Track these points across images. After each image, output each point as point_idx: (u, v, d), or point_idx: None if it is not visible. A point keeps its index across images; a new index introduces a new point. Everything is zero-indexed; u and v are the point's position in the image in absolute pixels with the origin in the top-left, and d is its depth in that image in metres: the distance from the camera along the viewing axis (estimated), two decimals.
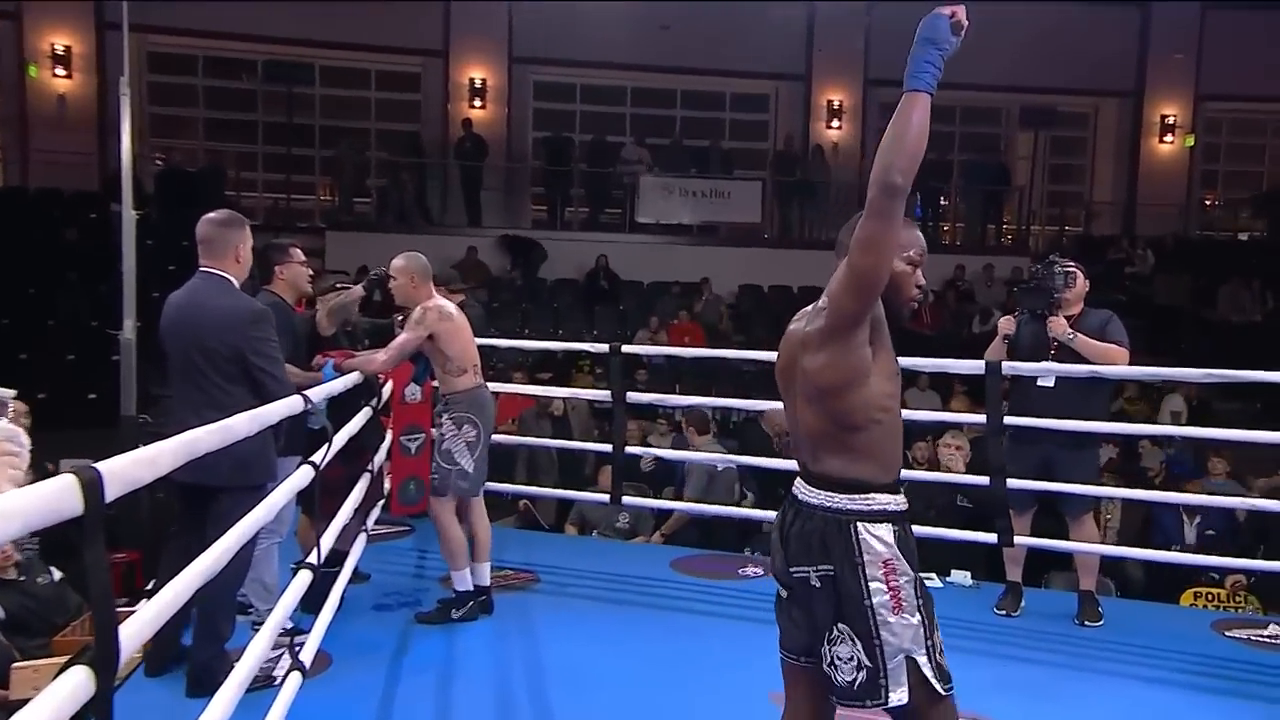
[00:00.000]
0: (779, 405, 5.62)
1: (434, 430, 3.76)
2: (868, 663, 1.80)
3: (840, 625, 1.81)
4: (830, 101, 13.25)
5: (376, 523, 4.29)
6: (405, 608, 3.74)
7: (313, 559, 2.59)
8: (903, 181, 1.68)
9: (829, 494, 1.84)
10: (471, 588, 3.61)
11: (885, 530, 1.82)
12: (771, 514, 4.95)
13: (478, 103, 12.60)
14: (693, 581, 4.27)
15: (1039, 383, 3.79)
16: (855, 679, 1.81)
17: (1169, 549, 4.80)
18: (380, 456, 4.02)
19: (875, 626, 1.79)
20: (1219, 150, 14.58)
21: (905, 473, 4.56)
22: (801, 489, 1.88)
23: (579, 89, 13.61)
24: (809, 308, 1.94)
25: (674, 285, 11.38)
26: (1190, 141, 13.57)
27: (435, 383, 3.74)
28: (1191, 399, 8.76)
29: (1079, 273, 3.82)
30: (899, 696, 1.79)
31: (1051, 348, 3.76)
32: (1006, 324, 3.92)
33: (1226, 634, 3.77)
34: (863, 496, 1.83)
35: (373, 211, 12.32)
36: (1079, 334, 3.71)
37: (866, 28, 12.77)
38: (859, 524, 1.82)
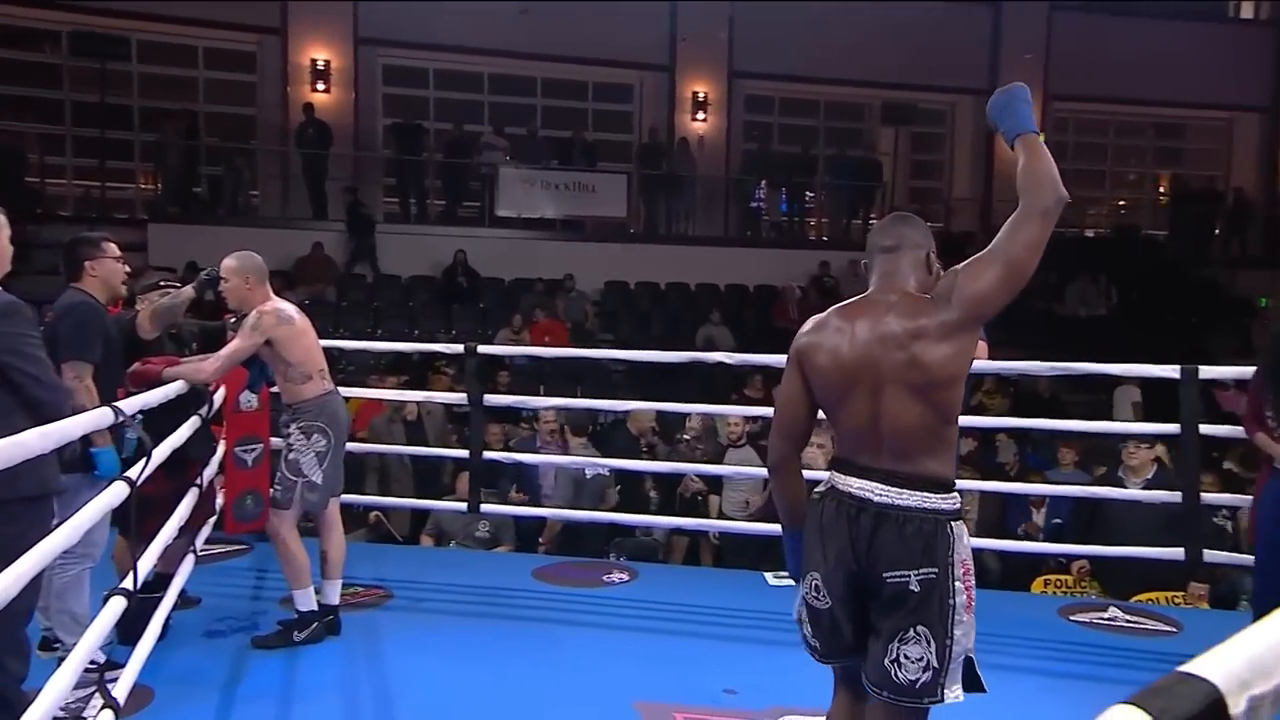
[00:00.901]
0: (646, 405, 5.65)
1: (279, 440, 3.63)
2: (935, 664, 1.86)
3: (919, 627, 1.86)
4: (695, 93, 13.51)
5: (208, 542, 4.10)
6: (240, 633, 3.60)
7: (128, 584, 2.46)
8: (1065, 195, 1.95)
9: (925, 494, 1.87)
10: (316, 607, 3.51)
11: (963, 529, 1.90)
12: (639, 517, 5.07)
13: (320, 86, 12.17)
14: (556, 590, 4.28)
15: None
16: (919, 679, 1.86)
17: (1022, 539, 5.14)
18: (211, 470, 3.84)
19: (951, 627, 1.85)
20: (1067, 149, 15.72)
21: (742, 470, 4.66)
22: (884, 491, 1.88)
23: (432, 74, 13.37)
24: (876, 297, 1.99)
25: (537, 282, 11.35)
26: (1040, 139, 14.55)
27: (275, 389, 3.61)
28: (1044, 392, 9.41)
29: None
30: (955, 694, 1.87)
31: None
32: None
33: (1072, 619, 4.07)
34: (951, 495, 1.90)
35: (203, 202, 11.72)
36: None
37: (730, 19, 13.10)
38: (952, 524, 1.88)
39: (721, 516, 5.48)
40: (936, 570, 1.85)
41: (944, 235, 13.61)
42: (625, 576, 4.50)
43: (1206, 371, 3.89)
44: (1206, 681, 0.56)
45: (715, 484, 5.59)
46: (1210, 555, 3.95)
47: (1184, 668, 0.58)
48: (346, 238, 11.29)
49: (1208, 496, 4.05)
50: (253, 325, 3.35)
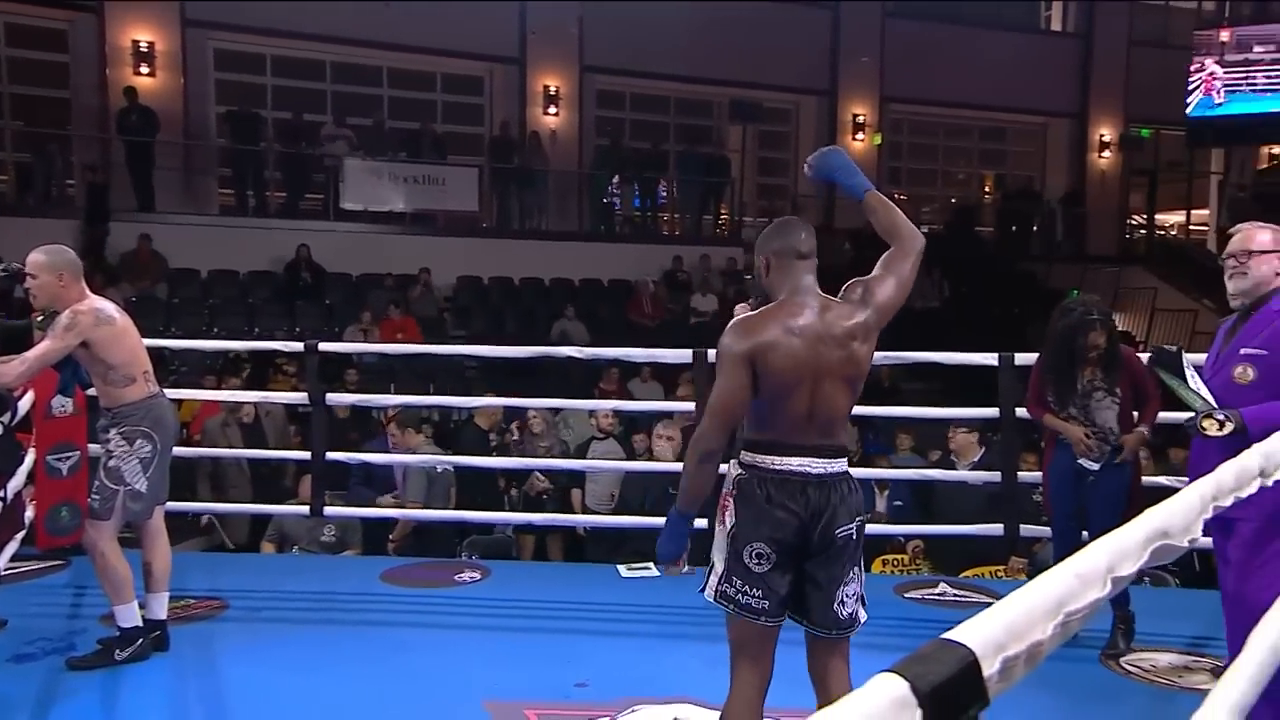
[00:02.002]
0: (497, 401, 5.59)
1: (97, 447, 3.40)
2: (861, 593, 2.29)
3: (854, 569, 2.26)
4: (546, 87, 13.45)
5: (16, 559, 3.80)
6: (55, 654, 3.35)
7: None
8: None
9: (842, 461, 2.26)
10: (140, 623, 3.31)
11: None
12: (490, 515, 5.02)
13: (144, 69, 11.40)
14: (405, 592, 4.19)
15: None
16: (854, 610, 2.28)
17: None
18: (18, 480, 3.56)
19: (862, 561, 2.32)
20: (902, 148, 16.56)
21: (629, 465, 4.73)
22: (818, 463, 2.21)
23: (269, 60, 12.77)
24: (809, 303, 2.25)
25: (386, 277, 11.04)
26: (878, 140, 15.28)
27: (92, 392, 3.37)
28: (885, 381, 9.88)
29: None
30: (864, 615, 2.31)
31: None
32: (742, 310, 4.18)
33: (905, 596, 4.30)
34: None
35: (10, 191, 10.78)
36: None
37: (580, 14, 13.11)
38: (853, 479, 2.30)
39: (585, 510, 5.48)
40: (860, 518, 2.26)
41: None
42: (477, 575, 4.45)
43: (1022, 358, 4.17)
44: (963, 646, 0.60)
45: (577, 478, 5.58)
46: (1026, 530, 4.25)
47: (946, 634, 0.62)
48: (79, 228, 10.17)
49: (1025, 475, 4.35)
50: (67, 325, 3.13)
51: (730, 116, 14.59)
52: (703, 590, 2.30)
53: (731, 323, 2.26)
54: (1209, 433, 2.61)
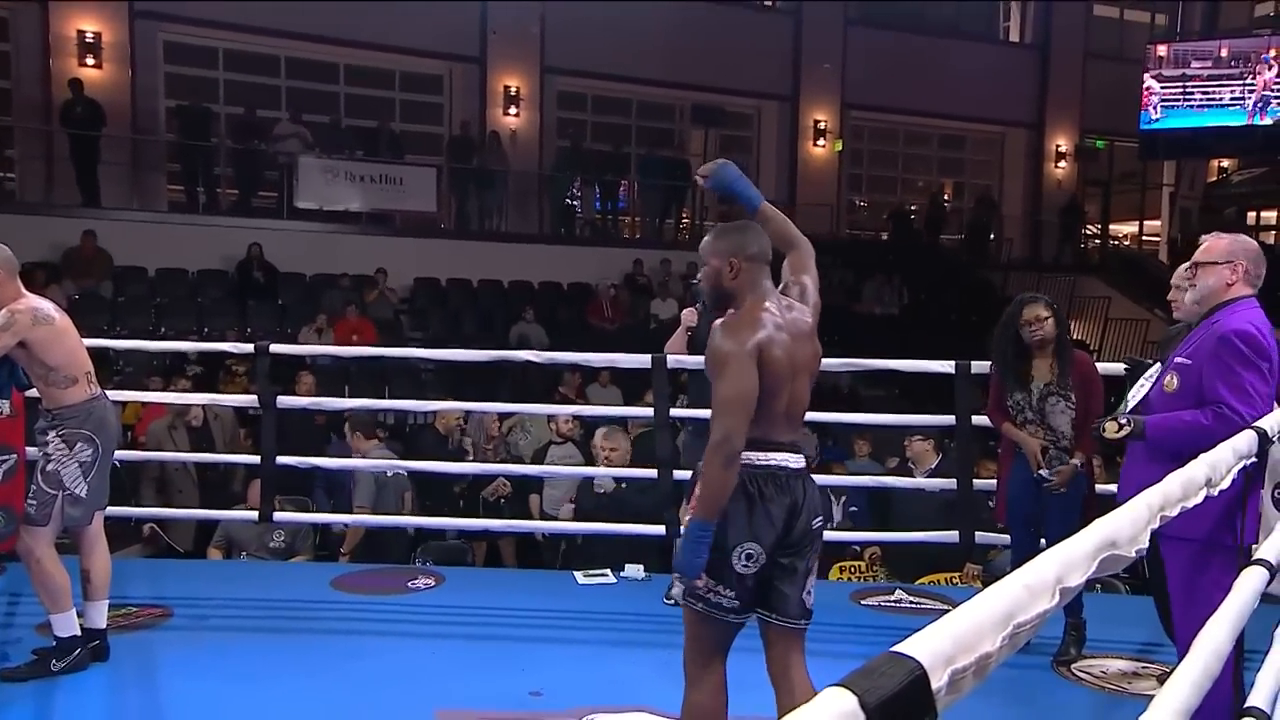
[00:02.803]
0: (453, 405, 5.54)
1: (35, 450, 3.31)
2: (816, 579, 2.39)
3: (815, 559, 2.36)
4: (507, 87, 13.40)
5: None
6: None
7: None
8: None
9: (802, 455, 2.35)
10: (78, 632, 3.22)
11: None
12: (442, 521, 4.97)
13: (90, 60, 11.14)
14: (356, 600, 4.13)
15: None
16: (813, 599, 2.37)
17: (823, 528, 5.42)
18: None
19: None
20: (862, 155, 16.74)
21: (589, 470, 4.70)
22: (794, 459, 2.31)
23: (222, 54, 12.56)
24: (776, 304, 2.34)
25: (342, 278, 10.92)
26: (839, 146, 15.43)
27: (33, 393, 3.29)
28: (844, 387, 9.98)
29: None
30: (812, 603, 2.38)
31: None
32: (689, 316, 4.20)
33: (862, 603, 4.33)
34: None
35: None
36: None
37: (541, 14, 13.09)
38: None
39: (543, 516, 5.45)
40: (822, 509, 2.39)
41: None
42: (431, 582, 4.41)
43: (978, 366, 4.22)
44: (911, 659, 0.60)
45: (534, 483, 5.55)
46: (982, 537, 4.31)
47: (896, 647, 0.62)
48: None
49: (980, 482, 4.41)
50: (3, 325, 3.05)
51: (692, 120, 14.66)
52: (668, 594, 2.34)
53: (724, 324, 2.28)
54: (1107, 434, 2.72)
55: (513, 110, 13.45)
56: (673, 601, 4.16)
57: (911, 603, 4.34)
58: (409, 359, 8.61)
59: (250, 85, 12.56)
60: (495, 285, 12.05)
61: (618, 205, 14.19)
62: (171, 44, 12.11)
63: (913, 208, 16.48)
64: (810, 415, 6.12)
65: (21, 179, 11.27)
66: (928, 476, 5.01)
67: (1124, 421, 2.69)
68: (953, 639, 0.61)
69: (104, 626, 3.33)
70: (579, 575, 4.56)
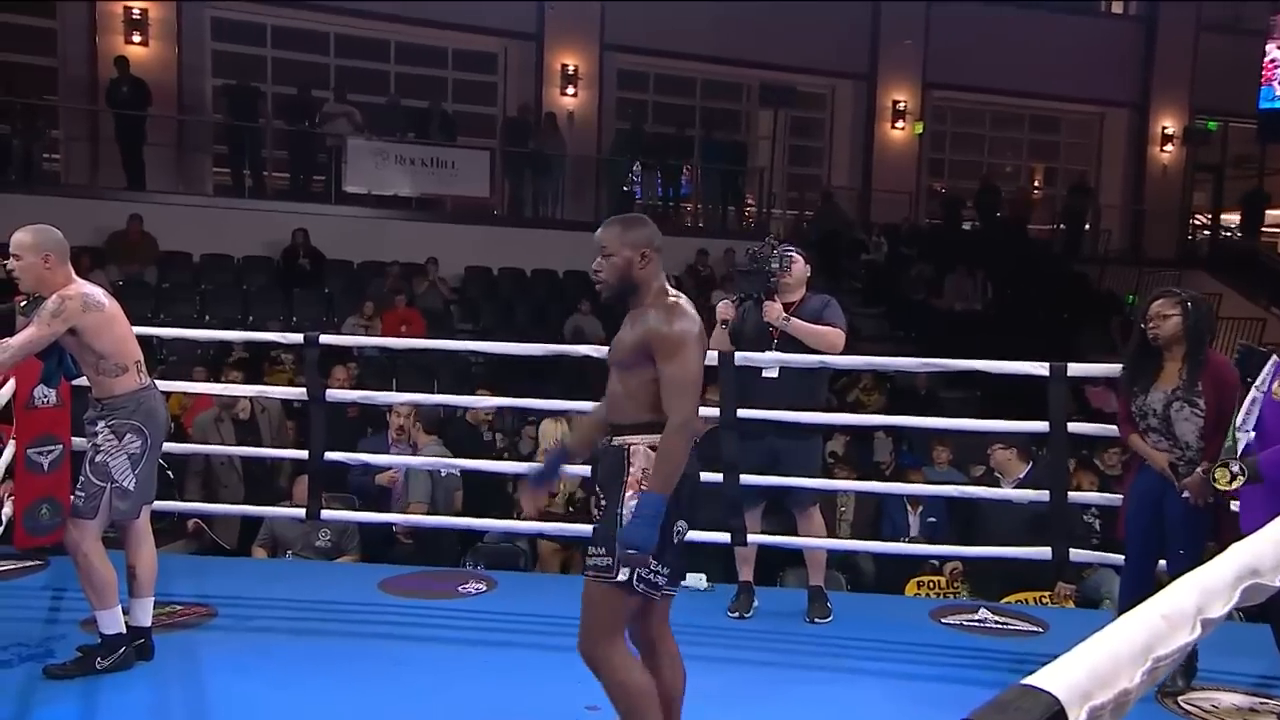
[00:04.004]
0: (503, 401, 5.60)
1: (81, 440, 3.41)
2: None
3: None
4: (564, 66, 13.45)
5: None
6: (31, 661, 3.35)
7: None
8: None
9: None
10: (124, 630, 3.31)
11: None
12: (493, 522, 5.01)
13: (136, 38, 11.46)
14: (405, 603, 4.19)
15: (764, 373, 4.08)
16: None
17: (897, 539, 5.36)
18: None
19: None
20: (945, 139, 16.46)
21: None
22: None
23: (270, 31, 12.82)
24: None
25: (392, 265, 11.07)
26: (919, 129, 15.19)
27: (82, 381, 3.39)
28: (921, 388, 9.83)
29: (798, 256, 4.15)
30: None
31: (773, 335, 4.06)
32: (725, 309, 4.17)
33: (942, 621, 4.26)
34: None
35: None
36: (793, 318, 4.02)
37: None
38: None
39: None
40: None
41: (822, 225, 14.03)
42: (483, 586, 4.45)
43: (1075, 369, 4.12)
44: (1047, 694, 0.58)
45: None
46: (1077, 554, 4.21)
47: (1027, 680, 0.60)
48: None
49: (1075, 495, 4.30)
50: (53, 311, 3.13)
51: (760, 101, 14.55)
52: (613, 575, 2.44)
53: (670, 306, 2.52)
54: (1219, 485, 2.66)
55: (570, 90, 13.50)
56: (737, 615, 4.15)
57: (997, 623, 4.26)
58: (459, 352, 8.69)
59: (298, 64, 12.79)
60: (550, 275, 12.11)
61: (680, 191, 14.17)
62: (219, 20, 12.39)
63: (999, 195, 16.14)
64: (885, 419, 6.08)
65: (66, 161, 11.61)
66: (1015, 487, 4.92)
67: (1236, 470, 2.64)
68: (1089, 673, 0.59)
69: (149, 625, 3.42)
70: None
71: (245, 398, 6.14)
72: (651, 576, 2.46)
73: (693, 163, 13.97)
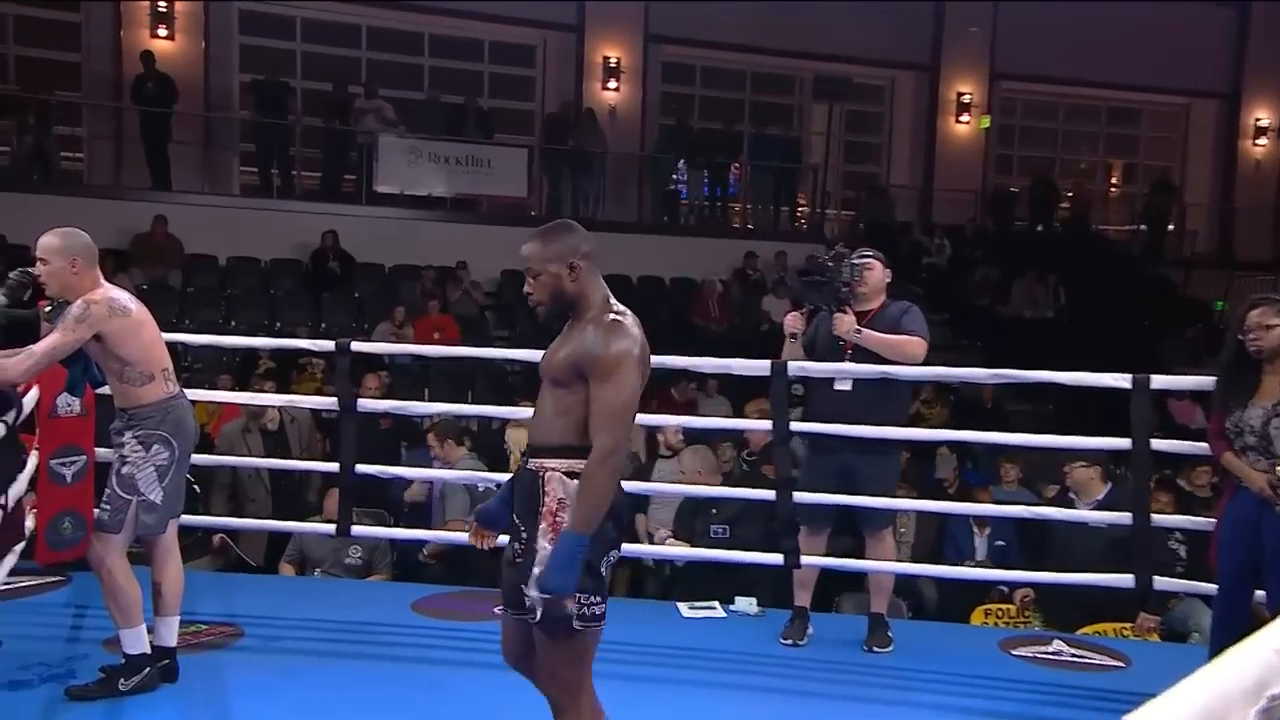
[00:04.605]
0: (527, 412, 5.66)
1: (105, 451, 3.48)
2: None
3: None
4: (606, 58, 13.52)
5: (13, 574, 3.90)
6: (53, 682, 3.41)
7: None
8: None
9: None
10: (148, 650, 3.37)
11: None
12: None
13: (162, 31, 11.72)
14: (439, 625, 4.23)
15: (835, 386, 4.05)
16: None
17: (961, 564, 5.29)
18: (19, 487, 3.66)
19: None
20: (1014, 133, 16.27)
21: (707, 489, 4.66)
22: None
23: (299, 23, 13.04)
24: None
25: (425, 269, 11.18)
26: (986, 123, 15.04)
27: (104, 390, 3.45)
28: (987, 401, 9.71)
29: (875, 262, 4.10)
30: None
31: (846, 347, 4.03)
32: (794, 321, 4.16)
33: (1013, 653, 4.21)
34: None
35: (11, 165, 11.08)
36: (865, 330, 3.99)
37: None
38: None
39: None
40: None
41: (879, 225, 13.94)
42: None
43: (1159, 381, 4.05)
44: None
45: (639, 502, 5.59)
46: (1161, 583, 4.12)
47: (1128, 717, 0.59)
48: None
49: (1160, 518, 4.22)
50: (79, 317, 3.19)
51: (814, 94, 14.49)
52: (535, 618, 2.41)
53: (611, 325, 2.46)
54: None
55: (612, 84, 13.56)
56: (790, 642, 4.12)
57: (1074, 656, 4.19)
58: (495, 360, 8.76)
59: (329, 58, 13.00)
60: None
61: (728, 190, 14.15)
62: (247, 13, 12.61)
63: (1070, 194, 15.92)
64: (949, 433, 5.99)
65: (90, 160, 11.88)
66: (1093, 509, 4.83)
67: None
68: (1201, 712, 0.58)
69: (174, 645, 3.47)
70: (683, 607, 4.57)
71: (273, 407, 6.22)
72: (587, 610, 2.40)
73: (742, 160, 13.97)
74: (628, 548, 4.77)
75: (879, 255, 4.17)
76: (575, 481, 2.43)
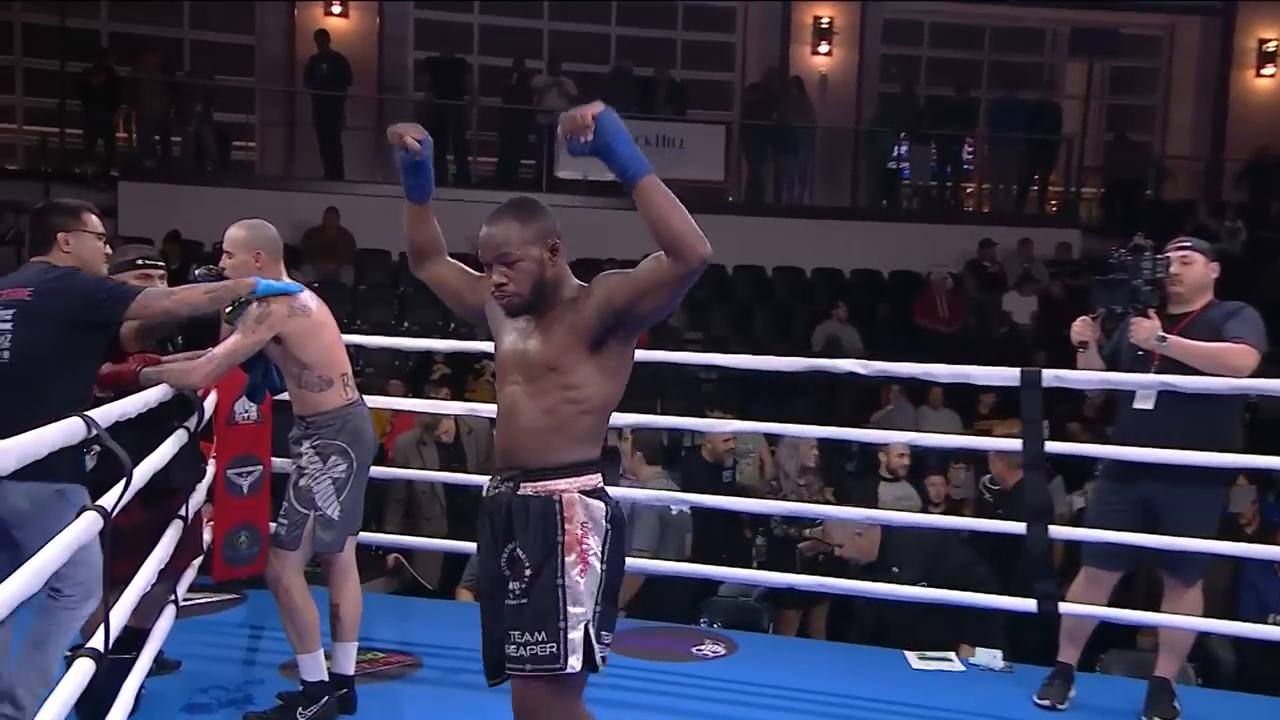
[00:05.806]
0: (749, 426, 5.64)
1: (282, 461, 3.70)
2: None
3: None
4: (817, 19, 13.43)
5: (191, 589, 4.21)
6: (231, 707, 3.66)
7: (97, 642, 2.53)
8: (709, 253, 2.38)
9: None
10: (326, 678, 3.57)
11: None
12: (727, 571, 5.04)
13: (336, 9, 12.44)
14: (631, 664, 4.27)
15: (1135, 404, 3.86)
16: None
17: (1265, 620, 4.96)
18: (198, 498, 3.95)
19: None
20: None
21: (944, 520, 4.59)
22: None
23: None
24: None
25: (607, 263, 11.38)
26: None
27: (284, 396, 3.67)
28: None
29: (1197, 256, 3.86)
30: None
31: (1154, 358, 3.81)
32: (1081, 329, 3.98)
33: None
34: None
35: (183, 155, 11.98)
36: (1171, 336, 3.74)
37: None
38: None
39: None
40: None
41: (1151, 206, 13.24)
42: (721, 650, 4.49)
43: None
44: None
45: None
46: None
47: None
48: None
49: None
50: (258, 317, 3.39)
51: (1070, 50, 13.95)
52: (561, 664, 2.37)
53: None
54: None
55: (823, 48, 13.47)
56: (1049, 703, 3.98)
57: None
58: (687, 366, 8.82)
59: (508, 30, 13.45)
60: (795, 274, 12.10)
61: (960, 168, 13.82)
62: None
63: None
64: (1247, 459, 5.65)
65: (262, 149, 12.69)
66: None
67: None
68: None
69: (353, 673, 3.67)
70: (913, 657, 4.48)
71: (449, 417, 6.47)
72: (598, 650, 2.42)
73: (978, 132, 13.57)
74: (826, 582, 4.75)
75: (1200, 245, 3.93)
76: (597, 502, 2.42)
